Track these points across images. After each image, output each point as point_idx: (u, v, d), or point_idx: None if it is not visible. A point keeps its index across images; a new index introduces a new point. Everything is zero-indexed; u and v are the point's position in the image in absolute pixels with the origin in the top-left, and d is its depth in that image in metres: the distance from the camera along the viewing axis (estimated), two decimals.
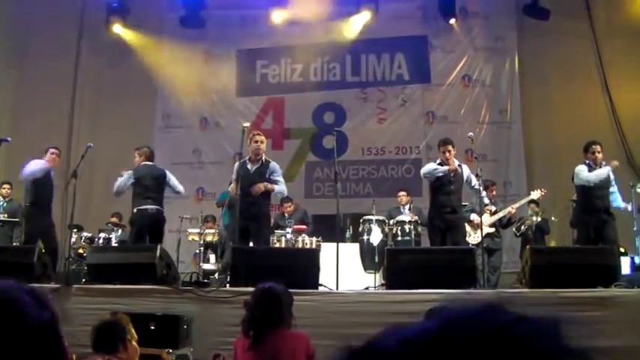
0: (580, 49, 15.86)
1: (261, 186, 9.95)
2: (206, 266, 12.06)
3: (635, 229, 11.64)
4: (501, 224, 12.42)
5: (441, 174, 10.18)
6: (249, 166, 10.14)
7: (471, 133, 10.87)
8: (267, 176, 10.18)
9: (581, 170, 10.23)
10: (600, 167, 10.20)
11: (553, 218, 12.89)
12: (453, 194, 10.26)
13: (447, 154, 10.22)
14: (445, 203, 10.21)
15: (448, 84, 16.56)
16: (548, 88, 15.82)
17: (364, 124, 16.57)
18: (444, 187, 10.30)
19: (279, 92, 17.26)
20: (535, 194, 12.40)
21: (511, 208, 12.25)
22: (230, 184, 10.60)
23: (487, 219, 11.68)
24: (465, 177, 10.32)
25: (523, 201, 12.60)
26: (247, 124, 11.07)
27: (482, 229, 10.42)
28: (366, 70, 17.00)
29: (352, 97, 16.90)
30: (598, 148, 10.29)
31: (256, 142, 10.22)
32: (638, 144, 12.36)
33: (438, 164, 10.38)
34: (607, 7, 15.74)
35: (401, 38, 16.97)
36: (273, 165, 10.41)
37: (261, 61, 17.42)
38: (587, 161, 10.30)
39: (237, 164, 10.31)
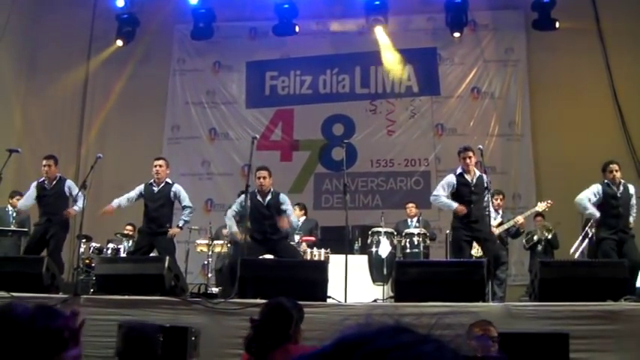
0: (590, 62, 15.82)
1: (285, 222, 10.39)
2: None
3: None
4: (510, 234, 12.31)
5: (454, 206, 10.24)
6: (260, 199, 10.27)
7: (480, 146, 10.74)
8: (280, 207, 10.39)
9: (587, 194, 10.37)
10: (619, 186, 10.22)
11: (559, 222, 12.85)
12: (475, 204, 10.18)
13: (468, 160, 10.17)
14: (468, 213, 10.13)
15: (457, 96, 16.52)
16: (557, 101, 15.78)
17: (373, 136, 16.52)
18: (464, 198, 10.24)
19: (289, 104, 17.23)
20: (541, 206, 12.32)
21: (519, 218, 12.15)
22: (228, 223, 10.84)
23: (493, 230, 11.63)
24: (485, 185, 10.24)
25: (528, 212, 12.47)
26: (257, 136, 11.17)
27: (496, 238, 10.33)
28: (375, 82, 16.98)
29: (361, 108, 16.86)
30: (616, 167, 10.35)
31: (258, 178, 10.36)
32: None
33: (459, 174, 10.32)
34: (616, 19, 15.69)
35: (410, 50, 16.94)
36: (283, 196, 10.69)
37: (270, 73, 17.43)
38: (605, 180, 10.32)
39: (241, 198, 10.36)
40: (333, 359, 0.94)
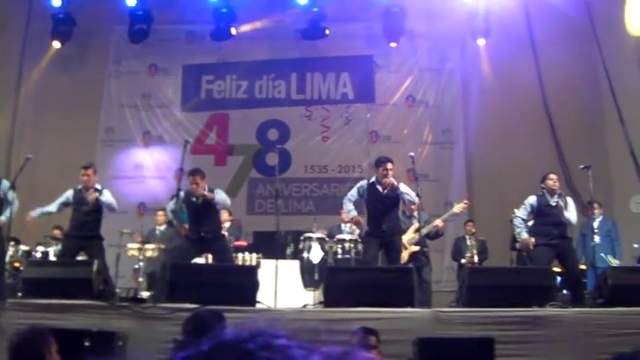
0: (522, 71, 16.09)
1: (207, 195, 10.20)
2: None
3: None
4: (429, 237, 12.36)
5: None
6: (194, 199, 10.22)
7: (412, 153, 10.85)
8: (214, 205, 10.37)
9: (525, 206, 10.48)
10: (554, 196, 10.37)
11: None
12: (385, 214, 10.22)
13: (385, 172, 10.16)
14: (379, 223, 10.20)
15: (392, 104, 16.72)
16: (490, 109, 16.00)
17: (308, 142, 16.62)
18: (373, 207, 10.30)
19: (224, 108, 17.21)
20: (458, 207, 12.40)
21: (438, 222, 12.19)
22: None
23: (411, 236, 11.68)
24: (400, 196, 10.30)
25: (446, 215, 12.48)
26: (189, 139, 11.14)
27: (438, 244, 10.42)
28: (311, 88, 17.08)
29: (297, 114, 16.94)
30: (554, 176, 10.51)
31: (191, 183, 10.28)
32: (576, 165, 12.59)
33: (371, 183, 10.37)
34: (548, 29, 15.99)
35: (347, 57, 17.11)
36: (216, 190, 10.54)
37: (206, 77, 17.40)
38: (542, 190, 10.47)
39: (182, 196, 10.33)
40: (209, 358, 0.98)
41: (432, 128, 16.50)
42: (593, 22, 15.53)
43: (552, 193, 10.41)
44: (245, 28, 16.68)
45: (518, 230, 10.47)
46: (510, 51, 16.11)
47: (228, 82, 17.31)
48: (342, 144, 16.57)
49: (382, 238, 10.14)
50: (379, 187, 10.25)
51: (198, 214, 10.27)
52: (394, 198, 10.28)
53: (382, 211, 10.20)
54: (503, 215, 12.80)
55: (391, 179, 10.21)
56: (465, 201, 12.70)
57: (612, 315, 8.01)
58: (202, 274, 9.06)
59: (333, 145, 16.60)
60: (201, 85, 17.39)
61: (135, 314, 8.21)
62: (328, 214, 14.40)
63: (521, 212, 10.49)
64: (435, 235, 12.43)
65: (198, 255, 10.49)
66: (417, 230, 11.58)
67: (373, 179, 10.38)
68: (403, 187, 10.30)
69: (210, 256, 10.73)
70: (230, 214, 13.42)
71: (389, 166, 10.18)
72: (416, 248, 11.63)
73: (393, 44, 16.54)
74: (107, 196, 10.77)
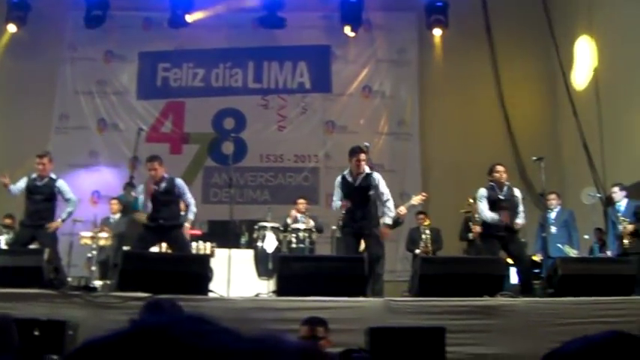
0: (479, 66, 16.24)
1: (188, 230, 10.07)
2: None
3: (523, 240, 11.86)
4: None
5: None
6: (154, 186, 10.12)
7: (366, 143, 10.73)
8: (175, 193, 10.21)
9: (480, 199, 10.48)
10: (502, 188, 10.37)
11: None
12: (359, 203, 10.10)
13: (357, 163, 9.99)
14: (355, 215, 10.13)
15: (349, 94, 16.78)
16: (446, 102, 16.14)
17: (264, 131, 16.63)
18: (351, 199, 10.23)
19: (180, 96, 17.13)
20: (416, 199, 12.39)
21: (402, 208, 12.08)
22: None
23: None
24: (375, 185, 10.10)
25: (406, 205, 12.48)
26: (144, 127, 11.03)
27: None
28: (268, 78, 17.08)
29: (253, 103, 16.93)
30: (502, 168, 10.42)
31: (149, 169, 10.15)
32: (530, 156, 12.70)
33: (343, 176, 10.28)
34: (505, 26, 16.15)
35: (304, 47, 17.13)
36: (179, 181, 10.46)
37: (162, 64, 17.29)
38: (491, 183, 10.45)
39: (143, 187, 10.24)
40: (130, 342, 0.96)
41: (388, 119, 16.59)
42: (549, 17, 15.65)
43: (501, 185, 10.42)
44: (202, 15, 16.60)
45: (495, 219, 10.34)
46: (467, 42, 16.24)
47: (185, 70, 17.23)
48: (298, 133, 16.60)
49: (360, 230, 10.02)
50: (350, 179, 10.16)
51: (158, 202, 10.12)
52: (367, 188, 10.18)
53: (356, 201, 10.02)
54: (458, 206, 12.89)
55: (365, 168, 10.13)
56: (423, 193, 12.68)
57: (562, 305, 8.10)
58: (155, 262, 8.99)
59: (289, 135, 16.63)
60: (158, 73, 17.29)
61: (86, 303, 8.11)
62: (283, 203, 14.37)
63: (483, 205, 10.43)
64: (396, 223, 12.40)
65: (156, 244, 10.41)
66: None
67: (346, 171, 10.28)
68: (375, 175, 10.24)
69: (164, 245, 10.63)
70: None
71: (362, 156, 9.98)
72: None
73: (351, 34, 16.56)
74: (64, 187, 10.73)
